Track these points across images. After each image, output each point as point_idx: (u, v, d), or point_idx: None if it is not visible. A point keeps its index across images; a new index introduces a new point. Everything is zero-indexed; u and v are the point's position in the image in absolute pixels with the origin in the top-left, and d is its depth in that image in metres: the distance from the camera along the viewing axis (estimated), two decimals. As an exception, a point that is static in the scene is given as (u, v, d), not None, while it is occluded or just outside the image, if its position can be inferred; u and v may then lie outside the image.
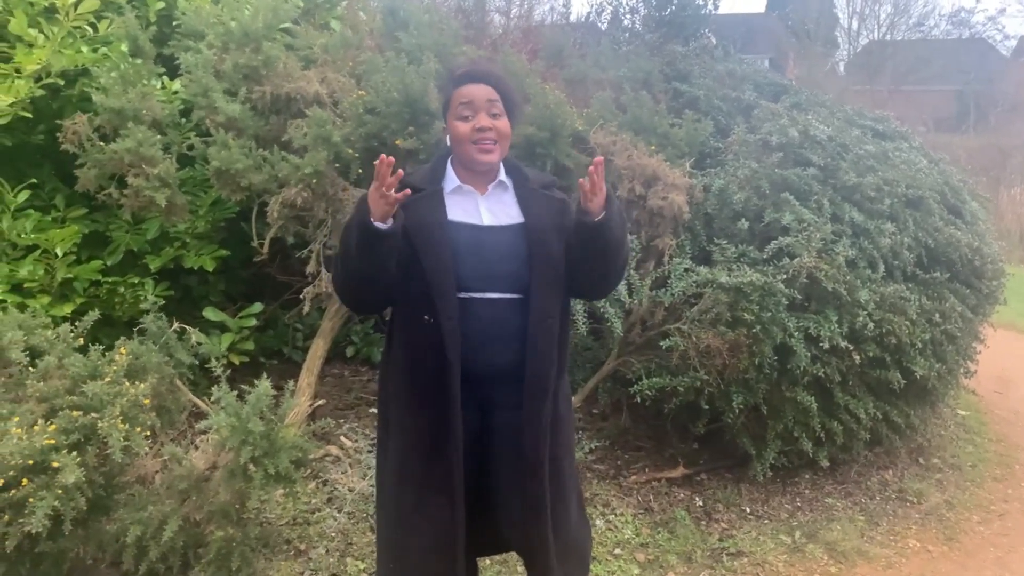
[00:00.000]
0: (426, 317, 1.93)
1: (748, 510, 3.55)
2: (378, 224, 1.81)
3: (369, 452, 3.44)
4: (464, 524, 1.99)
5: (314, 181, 3.18)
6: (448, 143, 2.05)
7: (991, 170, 14.39)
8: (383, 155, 1.78)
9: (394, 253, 1.88)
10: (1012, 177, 14.37)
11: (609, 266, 2.07)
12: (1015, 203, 13.45)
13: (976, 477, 4.14)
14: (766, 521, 3.48)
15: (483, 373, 1.99)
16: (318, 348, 3.68)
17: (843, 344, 3.32)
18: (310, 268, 3.41)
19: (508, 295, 1.98)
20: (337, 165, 3.28)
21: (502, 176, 2.06)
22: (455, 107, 1.98)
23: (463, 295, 1.94)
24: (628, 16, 7.29)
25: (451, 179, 2.04)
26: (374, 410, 3.76)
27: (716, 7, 7.23)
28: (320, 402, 3.69)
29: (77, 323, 2.71)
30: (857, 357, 3.40)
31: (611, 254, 2.02)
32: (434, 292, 1.91)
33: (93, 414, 2.35)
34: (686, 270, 3.42)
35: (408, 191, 1.87)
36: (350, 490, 3.21)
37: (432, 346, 1.93)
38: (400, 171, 1.78)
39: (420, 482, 2.01)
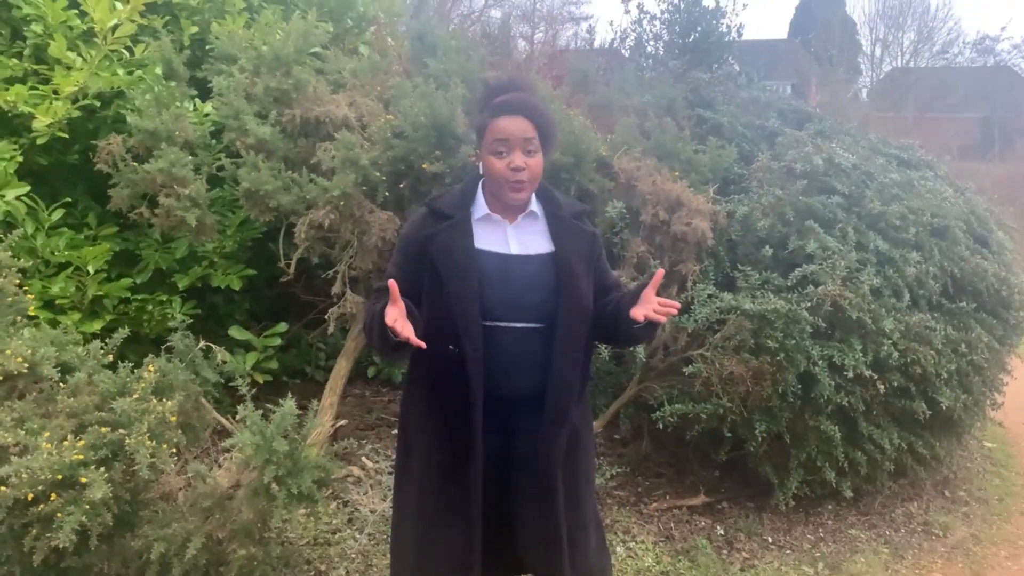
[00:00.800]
0: (451, 347, 1.93)
1: (770, 540, 3.51)
2: (398, 341, 1.80)
3: (390, 474, 3.45)
4: (480, 550, 1.99)
5: (341, 203, 3.23)
6: (480, 171, 2.06)
7: (1018, 198, 14.22)
8: (391, 283, 1.80)
9: (406, 355, 1.92)
10: (1039, 206, 14.19)
11: (619, 345, 2.14)
12: (1042, 232, 13.28)
13: (1003, 511, 4.06)
14: (788, 551, 3.44)
15: (505, 399, 1.99)
16: (341, 368, 3.71)
17: (867, 373, 3.29)
18: (335, 289, 3.45)
19: (533, 324, 1.98)
20: (364, 188, 3.32)
21: (533, 206, 2.06)
22: (490, 140, 1.96)
23: (488, 323, 1.94)
24: (652, 43, 7.34)
25: (480, 206, 2.04)
26: (396, 431, 3.77)
27: (740, 34, 7.27)
28: (342, 422, 3.70)
29: (107, 340, 2.76)
30: (882, 386, 3.37)
31: (626, 345, 2.08)
32: (459, 320, 1.91)
33: (121, 430, 2.37)
34: (709, 296, 3.41)
35: (423, 344, 1.82)
36: (371, 511, 3.21)
37: (455, 373, 1.93)
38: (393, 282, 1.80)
39: (438, 507, 2.02)
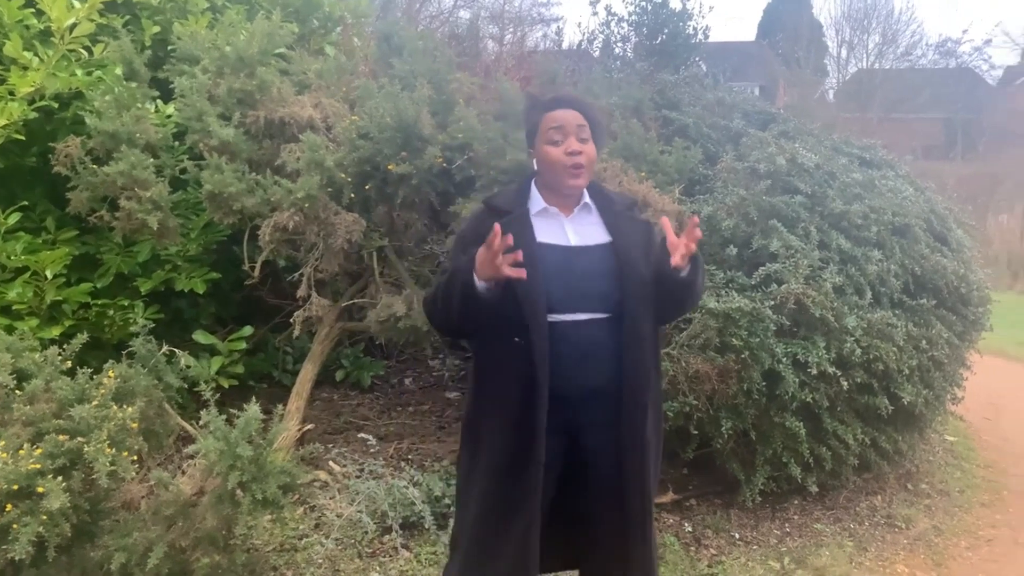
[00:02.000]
0: (516, 339, 1.94)
1: (737, 536, 3.54)
2: (482, 287, 1.85)
3: (358, 477, 3.42)
4: (539, 548, 2.01)
5: (306, 205, 3.20)
6: (535, 167, 2.09)
7: (979, 197, 14.56)
8: (497, 226, 1.79)
9: (493, 309, 1.91)
10: (1000, 204, 14.54)
11: (685, 304, 2.18)
12: (1003, 230, 13.59)
13: (964, 503, 4.14)
14: (755, 547, 3.47)
15: (573, 395, 2.00)
16: (308, 372, 3.68)
17: (831, 370, 3.34)
18: (301, 292, 3.42)
19: (598, 315, 2.00)
20: (330, 189, 3.30)
21: (586, 199, 2.10)
22: (545, 131, 2.03)
23: (552, 317, 1.96)
24: (620, 44, 7.38)
25: (537, 201, 2.08)
26: (363, 435, 3.75)
27: (706, 36, 7.33)
28: (309, 426, 3.68)
29: (65, 346, 2.71)
30: (845, 383, 3.41)
31: (690, 299, 2.13)
32: (526, 314, 1.93)
33: (79, 438, 2.33)
34: (675, 296, 3.43)
35: (523, 272, 1.83)
36: (338, 516, 3.19)
37: (522, 368, 1.94)
38: (509, 236, 1.79)
39: (502, 501, 2.03)
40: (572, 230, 2.06)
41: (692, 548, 3.40)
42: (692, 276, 1.99)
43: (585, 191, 2.10)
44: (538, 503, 1.98)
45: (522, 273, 1.81)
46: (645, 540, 2.07)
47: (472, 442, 2.14)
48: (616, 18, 7.43)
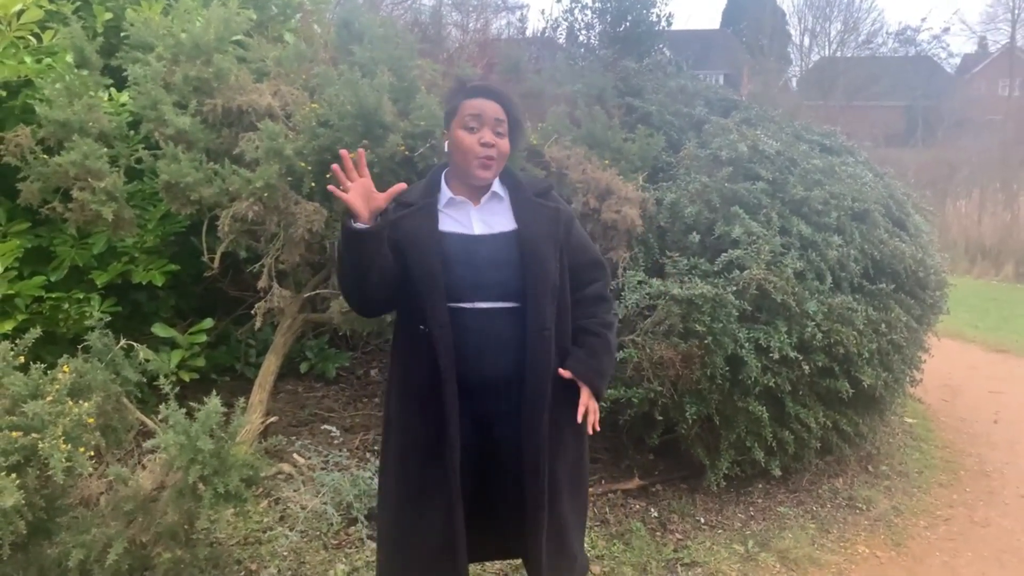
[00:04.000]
0: (421, 327, 1.96)
1: (702, 520, 3.58)
2: (358, 225, 1.83)
3: (323, 469, 3.40)
4: (464, 532, 2.01)
5: (266, 195, 3.15)
6: (446, 150, 2.07)
7: (938, 183, 14.83)
8: (343, 152, 1.82)
9: (379, 253, 1.89)
10: (958, 190, 14.81)
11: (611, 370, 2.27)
12: (960, 215, 13.85)
13: (923, 483, 4.23)
14: (720, 531, 3.52)
15: (479, 384, 2.01)
16: (271, 364, 3.63)
17: (793, 354, 3.38)
18: (262, 283, 3.37)
19: (500, 304, 2.00)
20: (290, 178, 3.25)
21: (496, 188, 2.08)
22: (462, 116, 2.01)
23: (455, 304, 1.96)
24: (583, 32, 7.36)
25: (445, 192, 2.07)
26: (327, 427, 3.72)
27: (669, 24, 7.33)
28: (273, 419, 3.64)
29: (18, 340, 2.64)
30: (807, 367, 3.46)
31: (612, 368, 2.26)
32: (424, 302, 1.94)
33: (34, 435, 2.28)
34: (639, 282, 3.45)
35: (403, 185, 1.90)
36: (303, 508, 3.16)
37: (426, 355, 1.96)
38: (361, 151, 1.84)
39: (419, 485, 2.04)
40: (478, 219, 2.05)
41: (658, 533, 3.44)
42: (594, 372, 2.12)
43: (497, 180, 2.09)
44: (458, 488, 1.99)
45: (347, 187, 1.82)
46: (537, 531, 2.05)
47: (388, 430, 2.16)
48: (580, 5, 7.41)
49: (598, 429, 2.12)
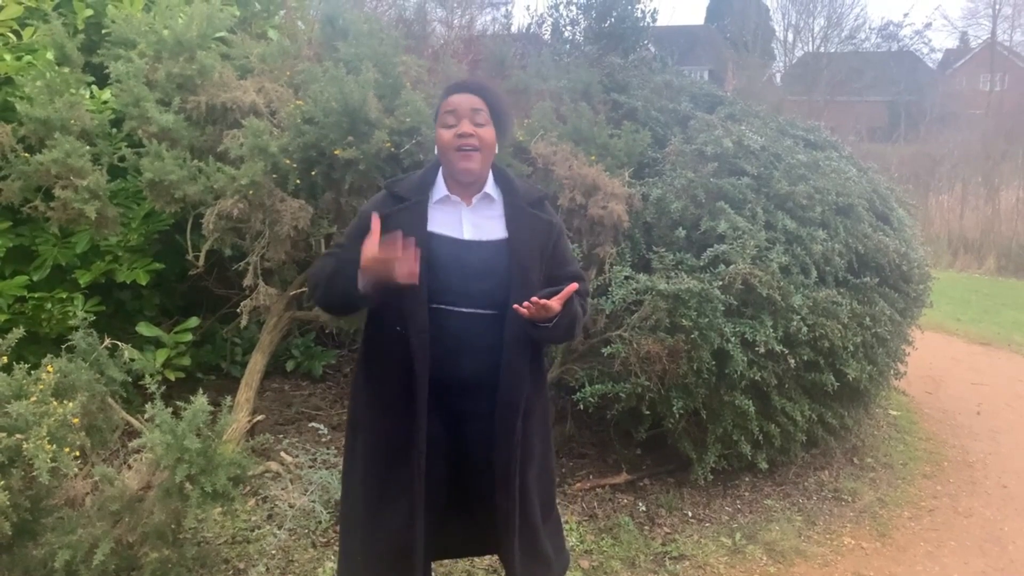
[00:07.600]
0: (398, 328, 1.95)
1: (690, 514, 3.60)
2: (365, 286, 1.85)
3: (310, 467, 3.39)
4: (423, 532, 2.00)
5: (251, 192, 3.14)
6: (436, 152, 2.05)
7: (921, 177, 14.96)
8: (375, 218, 1.83)
9: (372, 304, 1.94)
10: (940, 184, 14.95)
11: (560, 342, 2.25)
12: (943, 209, 13.98)
13: (907, 475, 4.27)
14: (707, 524, 3.54)
15: (454, 383, 2.01)
16: (257, 362, 3.62)
17: (778, 348, 3.40)
18: (248, 281, 3.36)
19: (482, 311, 1.99)
20: (275, 176, 3.24)
21: (489, 188, 2.05)
22: (442, 115, 2.00)
23: (435, 306, 1.95)
24: (569, 28, 7.37)
25: (439, 189, 2.04)
26: (314, 424, 3.72)
27: (654, 19, 7.36)
28: (260, 417, 3.62)
29: (1, 340, 2.62)
30: (792, 361, 3.48)
31: (562, 341, 2.22)
32: (405, 304, 1.93)
33: (18, 435, 2.26)
34: (626, 278, 3.46)
35: (415, 278, 1.84)
36: (290, 506, 3.16)
37: (402, 356, 1.95)
38: (399, 237, 1.79)
39: (383, 486, 2.03)
40: (469, 222, 2.02)
41: (646, 527, 3.45)
42: (543, 336, 2.02)
43: (490, 180, 2.06)
44: (422, 490, 1.98)
45: (414, 279, 1.81)
46: (510, 538, 2.06)
47: (354, 431, 2.15)
48: (565, 1, 7.42)
49: (529, 312, 1.91)
